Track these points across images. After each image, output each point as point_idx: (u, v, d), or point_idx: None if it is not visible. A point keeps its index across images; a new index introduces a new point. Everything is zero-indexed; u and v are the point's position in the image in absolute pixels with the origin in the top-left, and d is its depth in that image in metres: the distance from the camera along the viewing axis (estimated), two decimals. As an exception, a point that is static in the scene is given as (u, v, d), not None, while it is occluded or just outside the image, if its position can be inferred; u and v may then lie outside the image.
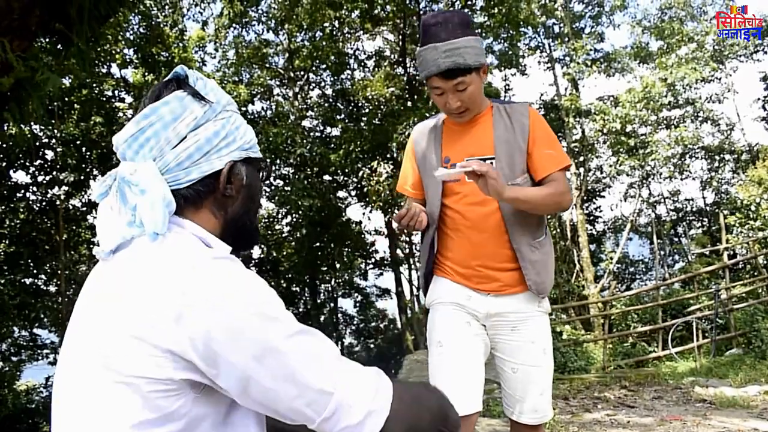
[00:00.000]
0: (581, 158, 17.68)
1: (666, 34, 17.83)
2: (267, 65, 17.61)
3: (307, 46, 15.98)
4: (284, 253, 19.43)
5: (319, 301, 21.61)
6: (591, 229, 20.85)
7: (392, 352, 22.82)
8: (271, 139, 13.92)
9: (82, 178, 13.96)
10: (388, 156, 14.18)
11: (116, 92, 14.44)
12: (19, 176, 13.31)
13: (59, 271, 13.70)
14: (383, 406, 0.87)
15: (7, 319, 13.73)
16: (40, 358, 16.22)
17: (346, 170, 15.37)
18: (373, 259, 21.25)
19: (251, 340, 0.80)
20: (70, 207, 14.51)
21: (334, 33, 15.40)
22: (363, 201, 17.19)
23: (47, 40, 4.37)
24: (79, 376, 0.85)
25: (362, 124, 15.27)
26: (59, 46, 4.49)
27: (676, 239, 21.74)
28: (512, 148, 1.90)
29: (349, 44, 16.58)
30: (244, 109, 14.84)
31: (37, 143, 12.76)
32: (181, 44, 14.22)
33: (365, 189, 14.20)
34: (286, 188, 16.12)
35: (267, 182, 15.70)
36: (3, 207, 13.37)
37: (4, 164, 12.62)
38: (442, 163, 1.97)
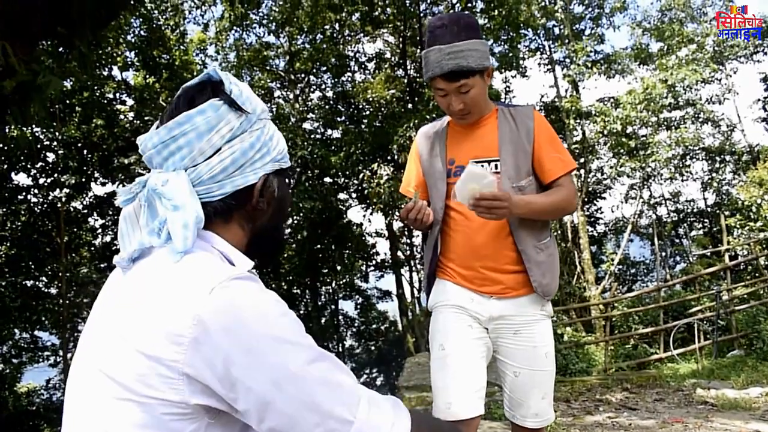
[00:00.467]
0: (582, 160, 17.67)
1: (666, 36, 17.83)
2: (268, 68, 17.63)
3: (307, 49, 16.00)
4: (285, 255, 19.44)
5: (320, 303, 21.60)
6: (592, 231, 20.83)
7: (393, 355, 22.81)
8: (272, 141, 13.87)
9: (83, 180, 13.99)
10: (389, 158, 14.19)
11: (117, 95, 14.47)
12: (21, 178, 13.32)
13: (60, 274, 13.70)
14: None
15: (8, 322, 13.74)
16: (40, 360, 16.23)
17: (347, 172, 15.36)
18: (373, 261, 21.25)
19: (270, 366, 0.78)
20: (71, 209, 14.52)
21: (335, 35, 15.42)
22: (363, 203, 17.20)
23: (49, 43, 4.39)
24: (90, 389, 0.84)
25: (363, 126, 15.29)
26: (61, 49, 4.51)
27: (677, 240, 21.72)
28: (517, 150, 1.90)
29: (349, 47, 16.61)
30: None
31: (39, 145, 12.78)
32: (182, 47, 14.26)
33: (366, 191, 14.20)
34: (292, 198, 16.10)
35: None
36: (4, 209, 13.39)
37: (5, 166, 12.63)
38: (447, 164, 1.98)
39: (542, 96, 19.24)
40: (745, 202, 13.99)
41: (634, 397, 5.90)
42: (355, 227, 19.14)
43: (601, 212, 21.98)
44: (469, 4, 13.79)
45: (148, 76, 13.56)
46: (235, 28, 15.30)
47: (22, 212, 13.90)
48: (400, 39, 15.24)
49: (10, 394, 14.50)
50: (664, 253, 20.56)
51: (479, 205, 1.73)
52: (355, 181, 16.22)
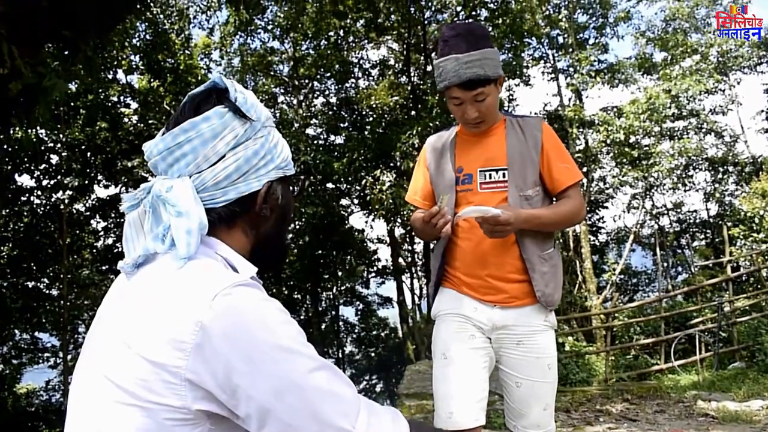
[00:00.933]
0: (584, 169, 17.65)
1: (670, 46, 17.85)
2: (272, 73, 17.68)
3: (311, 55, 16.05)
4: (287, 260, 19.42)
5: (320, 308, 21.57)
6: (594, 240, 20.80)
7: (393, 361, 22.75)
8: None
9: (86, 182, 14.02)
10: (392, 165, 14.20)
11: (122, 98, 14.50)
12: (24, 180, 13.32)
13: (61, 275, 13.70)
14: None
15: (8, 322, 13.76)
16: (40, 361, 16.25)
17: (350, 178, 15.37)
18: (375, 268, 21.24)
19: (271, 374, 0.78)
20: (74, 211, 14.54)
21: (339, 42, 15.46)
22: (366, 209, 17.20)
23: (54, 46, 4.40)
24: (93, 393, 0.84)
25: (366, 132, 15.29)
26: (66, 52, 4.52)
27: (679, 251, 21.68)
28: (525, 159, 1.91)
29: (353, 53, 16.65)
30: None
31: (42, 147, 12.81)
32: (186, 51, 14.30)
33: (368, 197, 14.19)
34: (295, 205, 16.07)
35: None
36: (7, 210, 13.40)
37: (9, 168, 12.66)
38: (455, 172, 1.98)
39: (545, 105, 19.25)
40: (747, 213, 13.97)
41: (634, 408, 5.88)
42: (356, 233, 19.13)
43: (603, 221, 21.96)
44: (474, 13, 13.83)
45: (152, 80, 13.60)
46: (239, 33, 15.36)
47: (25, 213, 13.92)
48: (404, 46, 15.27)
49: (10, 395, 14.49)
50: (665, 264, 20.52)
51: (483, 227, 1.79)
52: (358, 187, 16.23)
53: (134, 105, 14.64)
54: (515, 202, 1.88)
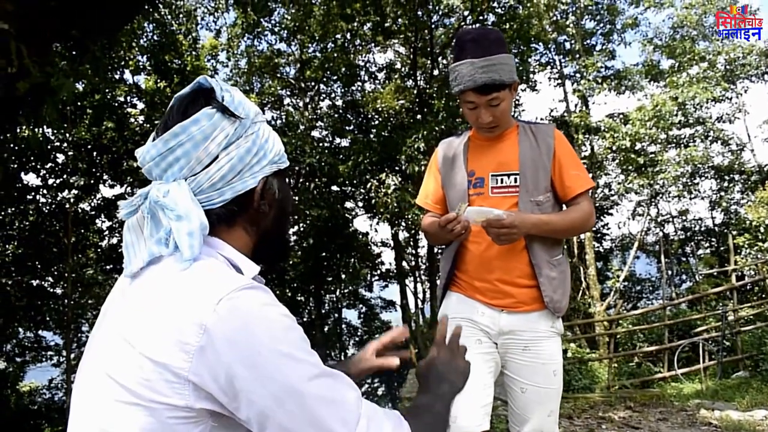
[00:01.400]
0: (590, 175, 17.58)
1: (677, 53, 17.80)
2: (278, 75, 17.72)
3: (318, 57, 16.07)
4: (290, 262, 19.45)
5: (323, 311, 21.54)
6: (598, 247, 20.74)
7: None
8: (280, 148, 13.95)
9: (92, 182, 14.06)
10: (397, 168, 14.20)
11: (128, 98, 14.55)
12: (30, 178, 13.38)
13: (66, 274, 13.74)
14: None
15: (12, 320, 13.81)
16: (44, 359, 16.28)
17: (354, 181, 15.38)
18: (378, 271, 21.22)
19: (272, 380, 0.79)
20: (79, 210, 14.59)
21: (346, 45, 15.48)
22: (370, 212, 17.21)
23: (63, 45, 4.43)
24: (97, 392, 0.84)
25: (371, 135, 15.31)
26: (74, 52, 4.55)
27: (683, 259, 21.58)
28: (537, 165, 1.91)
29: (360, 56, 16.67)
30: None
31: (49, 146, 12.86)
32: (194, 52, 14.36)
33: (373, 200, 14.20)
34: (294, 197, 16.13)
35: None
36: (13, 209, 13.46)
37: (15, 166, 12.71)
38: (467, 176, 1.98)
39: (551, 110, 19.23)
40: (753, 222, 13.91)
41: (637, 416, 5.85)
42: (360, 236, 19.14)
43: (608, 228, 21.88)
44: (481, 17, 13.84)
45: (159, 81, 13.66)
46: (247, 35, 15.42)
47: (30, 212, 13.98)
48: (411, 50, 15.28)
49: (13, 393, 14.54)
50: (670, 271, 20.42)
51: (489, 233, 1.78)
52: (362, 190, 16.24)
53: (141, 105, 14.69)
54: (526, 207, 1.88)
